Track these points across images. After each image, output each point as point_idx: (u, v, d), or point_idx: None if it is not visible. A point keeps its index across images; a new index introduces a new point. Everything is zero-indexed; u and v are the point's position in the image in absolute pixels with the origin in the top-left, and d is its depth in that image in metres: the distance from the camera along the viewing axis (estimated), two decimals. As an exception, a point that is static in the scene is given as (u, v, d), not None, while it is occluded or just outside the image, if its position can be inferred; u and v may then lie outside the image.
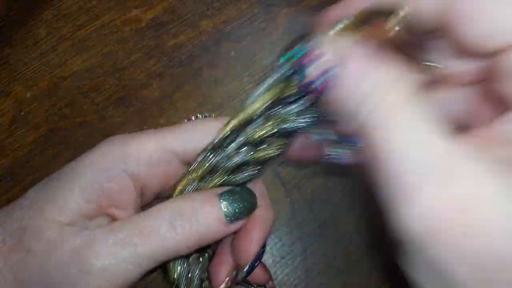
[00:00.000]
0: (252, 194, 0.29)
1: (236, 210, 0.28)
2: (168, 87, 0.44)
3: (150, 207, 0.28)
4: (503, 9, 0.20)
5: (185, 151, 0.29)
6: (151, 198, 0.30)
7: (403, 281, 0.39)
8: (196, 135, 0.29)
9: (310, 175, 0.41)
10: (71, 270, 0.24)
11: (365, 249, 0.39)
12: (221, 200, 0.27)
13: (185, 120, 0.36)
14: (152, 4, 0.47)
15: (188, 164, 0.30)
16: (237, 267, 0.31)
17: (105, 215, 0.27)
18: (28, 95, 0.44)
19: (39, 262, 0.25)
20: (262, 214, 0.30)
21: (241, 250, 0.30)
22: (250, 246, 0.30)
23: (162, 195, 0.31)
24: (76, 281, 0.24)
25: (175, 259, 0.29)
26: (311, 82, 0.22)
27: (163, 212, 0.26)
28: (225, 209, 0.27)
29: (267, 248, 0.39)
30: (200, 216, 0.26)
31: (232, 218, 0.27)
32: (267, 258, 0.38)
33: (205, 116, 0.38)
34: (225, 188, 0.29)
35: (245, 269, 0.31)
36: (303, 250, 0.39)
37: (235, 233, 0.30)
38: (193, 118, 0.38)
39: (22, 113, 0.43)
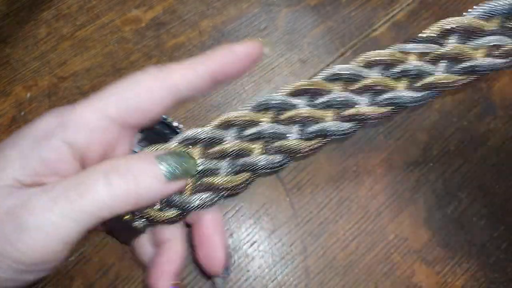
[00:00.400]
0: (191, 156, 0.29)
1: (176, 170, 0.27)
2: (168, 87, 0.44)
3: None
4: None
5: (122, 115, 0.28)
6: None
7: (403, 280, 0.39)
8: (131, 95, 0.28)
9: (310, 175, 0.41)
10: (6, 228, 0.24)
11: (364, 248, 0.39)
12: (159, 159, 0.27)
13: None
14: (152, 4, 0.47)
15: (136, 127, 0.29)
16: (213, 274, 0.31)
17: (44, 183, 0.27)
18: (28, 95, 0.44)
19: None
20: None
21: (210, 259, 0.31)
22: (217, 252, 0.30)
23: None
24: (12, 239, 0.24)
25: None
26: None
27: (98, 168, 0.26)
28: (163, 168, 0.27)
29: (267, 248, 0.39)
30: (137, 172, 0.26)
31: (171, 176, 0.27)
32: (267, 258, 0.39)
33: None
34: (161, 152, 0.28)
35: (222, 274, 0.31)
36: (303, 250, 0.39)
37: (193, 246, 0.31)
38: None
39: (22, 113, 0.43)
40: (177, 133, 0.32)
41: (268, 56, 0.46)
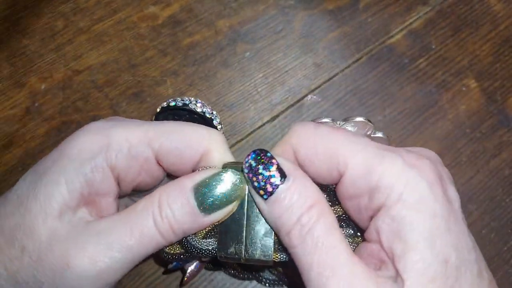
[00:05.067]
0: (230, 183, 0.28)
1: (210, 201, 0.27)
2: (181, 85, 0.44)
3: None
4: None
5: (164, 152, 0.28)
6: (127, 191, 0.30)
7: None
8: (181, 138, 0.29)
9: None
10: (64, 274, 0.25)
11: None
12: (194, 192, 0.27)
13: (169, 101, 0.35)
14: (170, 1, 0.48)
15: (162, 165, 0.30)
16: None
17: (88, 204, 0.28)
18: (43, 87, 0.44)
19: (33, 264, 0.25)
20: None
21: None
22: None
23: (139, 192, 0.32)
24: (71, 285, 0.25)
25: None
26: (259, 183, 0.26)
27: (148, 206, 0.27)
28: (197, 201, 0.27)
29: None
30: (176, 211, 0.27)
31: (206, 209, 0.27)
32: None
33: (208, 112, 0.36)
34: (198, 179, 0.28)
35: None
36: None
37: None
38: (189, 101, 0.35)
39: (36, 104, 0.43)
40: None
41: (283, 59, 0.46)
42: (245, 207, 0.28)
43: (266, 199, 0.25)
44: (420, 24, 0.48)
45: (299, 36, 0.47)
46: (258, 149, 0.27)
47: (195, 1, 0.48)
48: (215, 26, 0.47)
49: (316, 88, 0.45)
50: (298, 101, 0.44)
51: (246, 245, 0.28)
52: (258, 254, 0.28)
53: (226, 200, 0.27)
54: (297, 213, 0.25)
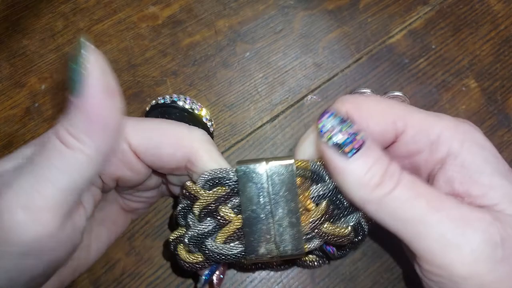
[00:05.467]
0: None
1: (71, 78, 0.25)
2: (181, 85, 0.44)
3: None
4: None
5: (142, 149, 0.29)
6: (109, 184, 0.30)
7: (409, 290, 0.39)
8: (159, 136, 0.29)
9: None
10: None
11: (371, 256, 0.39)
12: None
13: (158, 99, 0.35)
14: (169, 2, 0.48)
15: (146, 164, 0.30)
16: None
17: None
18: (43, 87, 0.44)
19: None
20: None
21: None
22: None
23: (124, 187, 0.32)
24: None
25: None
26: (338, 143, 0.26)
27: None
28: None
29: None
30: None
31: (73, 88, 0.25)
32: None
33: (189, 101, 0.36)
34: None
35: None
36: (310, 254, 0.39)
37: None
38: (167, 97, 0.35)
39: (36, 105, 0.43)
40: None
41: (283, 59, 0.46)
42: (270, 205, 0.28)
43: (351, 156, 0.25)
44: (420, 24, 0.48)
45: (299, 36, 0.47)
46: (329, 111, 0.26)
47: (195, 1, 0.48)
48: (215, 26, 0.47)
49: (316, 88, 0.45)
50: (298, 101, 0.44)
51: (276, 243, 0.28)
52: (290, 249, 0.28)
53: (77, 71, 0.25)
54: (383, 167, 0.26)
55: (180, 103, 0.34)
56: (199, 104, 0.35)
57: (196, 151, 0.29)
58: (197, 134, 0.30)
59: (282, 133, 0.43)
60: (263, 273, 0.38)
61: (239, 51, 0.46)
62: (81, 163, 0.25)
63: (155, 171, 0.31)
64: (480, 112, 0.44)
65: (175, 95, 0.34)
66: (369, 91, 0.36)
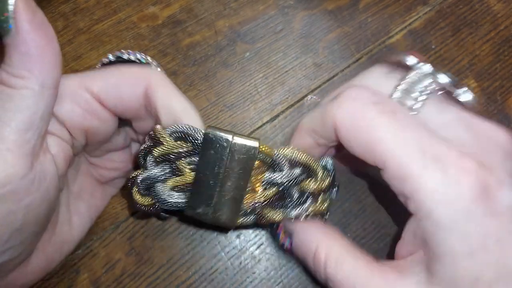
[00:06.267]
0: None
1: None
2: (181, 86, 0.44)
3: None
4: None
5: (104, 93, 0.30)
6: (80, 139, 0.31)
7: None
8: (116, 78, 0.30)
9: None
10: None
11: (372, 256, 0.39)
12: None
13: (102, 61, 0.35)
14: (169, 1, 0.48)
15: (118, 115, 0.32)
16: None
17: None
18: (43, 87, 0.44)
19: None
20: None
21: None
22: None
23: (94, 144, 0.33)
24: None
25: None
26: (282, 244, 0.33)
27: None
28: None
29: (274, 250, 0.39)
30: None
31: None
32: (273, 261, 0.38)
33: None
34: None
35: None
36: (310, 254, 0.39)
37: None
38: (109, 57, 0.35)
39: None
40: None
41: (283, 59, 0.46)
42: (222, 175, 0.30)
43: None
44: (420, 24, 0.48)
45: (299, 36, 0.47)
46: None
47: (195, 1, 0.48)
48: (214, 26, 0.47)
49: (316, 88, 0.45)
50: (298, 101, 0.44)
51: (214, 209, 0.31)
52: (224, 219, 0.31)
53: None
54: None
55: (125, 56, 0.35)
56: (143, 54, 0.36)
57: (154, 85, 0.30)
58: (152, 71, 0.31)
59: (282, 133, 0.43)
60: (263, 273, 0.38)
61: (239, 51, 0.46)
62: (29, 98, 0.25)
63: (121, 121, 0.33)
64: (479, 112, 0.44)
65: (118, 52, 0.35)
66: (415, 62, 0.29)
